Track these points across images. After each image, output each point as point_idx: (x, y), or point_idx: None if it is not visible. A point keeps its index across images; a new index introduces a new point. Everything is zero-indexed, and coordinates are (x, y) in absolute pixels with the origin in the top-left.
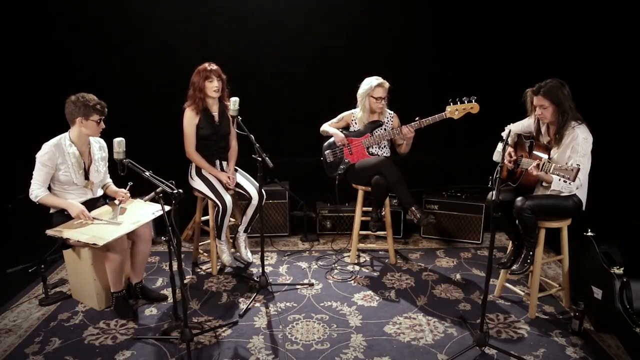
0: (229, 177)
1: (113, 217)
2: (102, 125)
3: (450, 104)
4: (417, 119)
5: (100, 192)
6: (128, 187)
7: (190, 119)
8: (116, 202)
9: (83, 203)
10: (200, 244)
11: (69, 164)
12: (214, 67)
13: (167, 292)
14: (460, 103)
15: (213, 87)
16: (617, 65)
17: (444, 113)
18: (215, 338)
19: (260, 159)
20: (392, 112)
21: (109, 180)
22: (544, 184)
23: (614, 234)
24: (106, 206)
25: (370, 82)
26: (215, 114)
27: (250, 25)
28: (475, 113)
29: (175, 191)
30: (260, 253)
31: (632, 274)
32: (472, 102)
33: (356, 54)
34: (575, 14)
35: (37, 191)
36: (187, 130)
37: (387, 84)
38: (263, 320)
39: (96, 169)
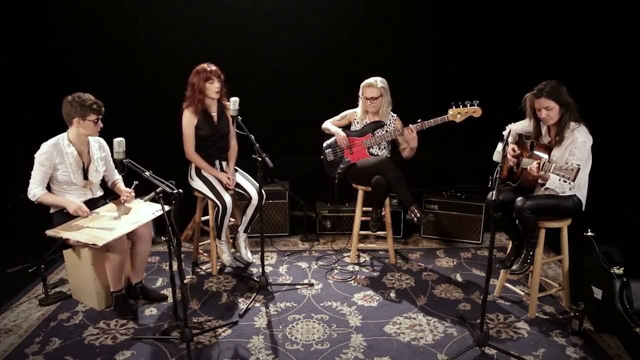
0: (228, 178)
1: (117, 217)
2: (100, 124)
3: (452, 107)
4: (419, 120)
5: (100, 193)
6: (133, 187)
7: (189, 120)
8: (121, 199)
9: (83, 203)
10: (200, 244)
11: (67, 163)
12: (213, 67)
13: (167, 292)
14: (463, 106)
15: (214, 88)
16: (617, 65)
17: (446, 116)
18: (215, 338)
19: (260, 159)
20: (394, 115)
21: (118, 177)
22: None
23: (614, 234)
24: (108, 205)
25: (362, 83)
26: (214, 114)
27: (250, 25)
28: (477, 117)
29: (175, 191)
30: (260, 253)
31: (632, 274)
32: (474, 106)
33: (356, 55)
34: (575, 14)
35: (34, 190)
36: (186, 132)
37: (378, 84)
38: (263, 320)
39: (95, 168)
